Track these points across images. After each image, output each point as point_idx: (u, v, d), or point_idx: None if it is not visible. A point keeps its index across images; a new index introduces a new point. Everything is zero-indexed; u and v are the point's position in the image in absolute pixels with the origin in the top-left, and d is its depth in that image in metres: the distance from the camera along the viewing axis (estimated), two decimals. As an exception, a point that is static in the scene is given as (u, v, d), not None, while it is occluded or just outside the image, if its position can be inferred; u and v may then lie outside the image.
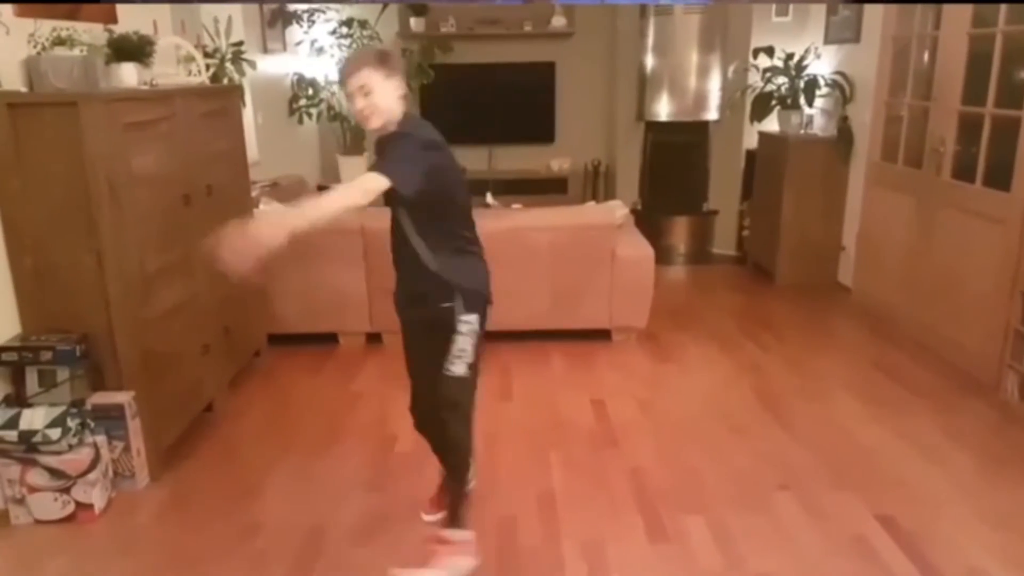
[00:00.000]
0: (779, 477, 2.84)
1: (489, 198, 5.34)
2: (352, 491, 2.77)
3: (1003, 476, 2.84)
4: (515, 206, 4.75)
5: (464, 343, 2.24)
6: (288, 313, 4.07)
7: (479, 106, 6.69)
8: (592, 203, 5.45)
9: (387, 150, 2.15)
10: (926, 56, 4.25)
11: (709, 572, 2.33)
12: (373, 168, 2.05)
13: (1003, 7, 3.49)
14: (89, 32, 3.03)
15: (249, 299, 3.75)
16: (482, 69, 6.62)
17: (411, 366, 2.45)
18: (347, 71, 2.13)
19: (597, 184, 6.86)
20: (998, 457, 2.98)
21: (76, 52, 2.80)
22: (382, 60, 2.12)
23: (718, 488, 2.77)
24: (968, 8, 3.74)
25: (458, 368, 2.23)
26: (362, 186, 1.99)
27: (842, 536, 2.48)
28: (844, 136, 5.00)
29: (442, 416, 2.30)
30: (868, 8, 4.78)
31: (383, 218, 4.19)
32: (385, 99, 2.12)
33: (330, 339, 4.19)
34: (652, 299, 4.14)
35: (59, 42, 2.77)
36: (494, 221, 4.00)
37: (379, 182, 1.99)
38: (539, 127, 6.86)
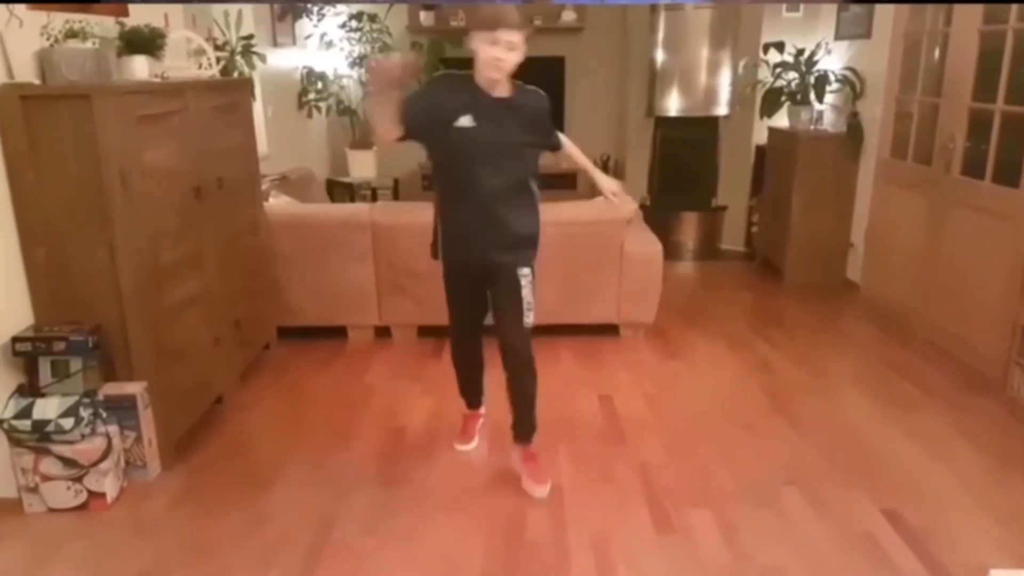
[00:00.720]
0: (786, 473, 2.84)
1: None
2: (361, 482, 2.79)
3: (1011, 473, 2.84)
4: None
5: (531, 295, 2.55)
6: (298, 306, 4.09)
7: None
8: (601, 198, 5.45)
9: (546, 115, 2.53)
10: (937, 52, 4.23)
11: (715, 566, 2.34)
12: (551, 138, 2.60)
13: (1014, 4, 3.47)
14: (101, 25, 3.04)
15: (260, 292, 3.77)
16: (491, 63, 6.61)
17: (474, 312, 2.72)
18: (505, 21, 2.25)
19: (606, 179, 6.84)
20: (1006, 454, 2.98)
21: (88, 45, 2.82)
22: (527, 21, 2.33)
23: (725, 483, 2.78)
24: (979, 5, 3.72)
25: (530, 319, 2.59)
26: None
27: (849, 532, 2.48)
28: (854, 132, 4.98)
29: (524, 364, 2.66)
30: (879, 4, 4.76)
31: (391, 212, 4.22)
32: (517, 61, 2.33)
33: (339, 332, 4.20)
34: (660, 295, 4.14)
35: (72, 35, 2.79)
36: (503, 216, 4.01)
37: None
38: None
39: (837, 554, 2.38)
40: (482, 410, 3.07)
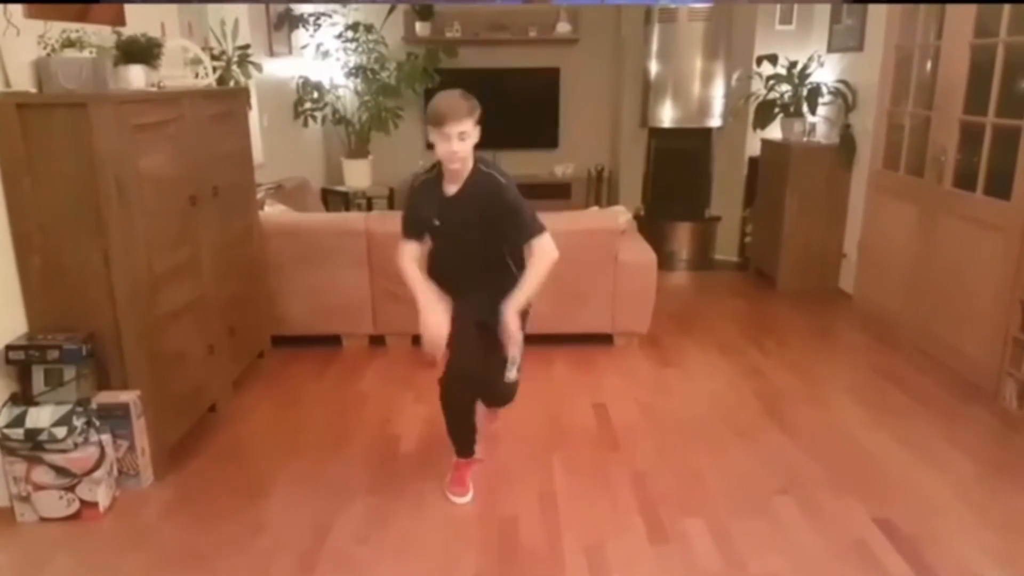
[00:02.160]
0: (780, 481, 2.85)
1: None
2: (356, 490, 2.79)
3: (1003, 482, 2.86)
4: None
5: (517, 353, 2.58)
6: (292, 315, 4.09)
7: (484, 111, 6.69)
8: (595, 208, 5.47)
9: (500, 199, 2.51)
10: (928, 65, 4.27)
11: (709, 574, 2.34)
12: (530, 231, 2.53)
13: (1005, 17, 3.51)
14: (98, 34, 3.05)
15: (254, 300, 3.77)
16: (487, 74, 6.64)
17: (473, 354, 2.66)
18: (450, 116, 2.38)
19: (600, 189, 6.88)
20: (998, 463, 3.00)
21: (85, 54, 2.82)
22: (475, 108, 2.45)
23: (719, 491, 2.79)
24: (970, 18, 3.76)
25: (513, 374, 2.63)
26: (551, 250, 2.55)
27: (842, 540, 2.49)
28: (846, 144, 5.02)
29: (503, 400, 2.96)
30: (871, 17, 4.81)
31: (386, 221, 4.23)
32: (473, 144, 2.47)
33: (334, 341, 4.20)
34: (654, 304, 4.15)
35: (68, 44, 2.80)
36: (497, 225, 4.02)
37: (549, 239, 2.55)
38: (543, 132, 6.89)
39: (830, 562, 2.39)
40: (478, 455, 2.85)
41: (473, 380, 2.68)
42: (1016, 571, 2.34)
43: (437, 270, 2.69)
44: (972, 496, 2.75)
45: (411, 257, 2.63)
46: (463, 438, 2.79)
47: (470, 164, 2.53)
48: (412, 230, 2.65)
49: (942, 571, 2.34)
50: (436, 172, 2.59)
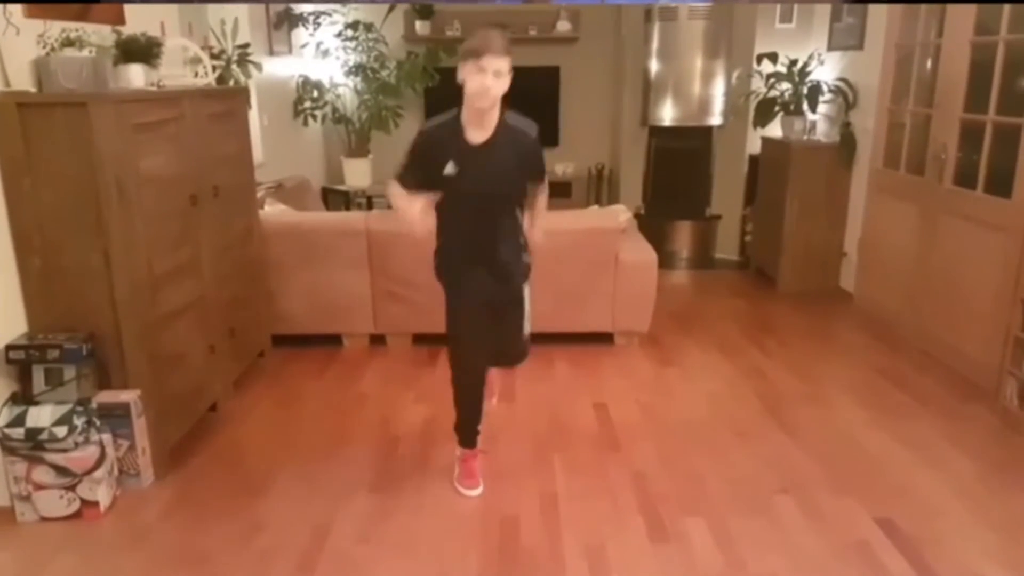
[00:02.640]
0: (781, 481, 2.85)
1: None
2: (356, 490, 2.79)
3: (1004, 482, 2.85)
4: (519, 209, 4.76)
5: (528, 307, 2.70)
6: (292, 314, 4.09)
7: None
8: (596, 207, 5.48)
9: (535, 155, 2.57)
10: (929, 64, 4.27)
11: (709, 574, 2.34)
12: (541, 176, 2.62)
13: (1005, 16, 3.51)
14: (98, 33, 3.05)
15: (254, 300, 3.77)
16: (487, 73, 6.64)
17: (482, 332, 2.66)
18: (490, 48, 2.27)
19: (601, 188, 6.88)
20: (999, 463, 3.00)
21: (85, 53, 2.82)
22: (510, 49, 2.34)
23: (719, 491, 2.78)
24: (971, 16, 3.76)
25: (527, 327, 2.74)
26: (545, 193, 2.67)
27: (843, 540, 2.49)
28: (847, 142, 5.02)
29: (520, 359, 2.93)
30: (872, 15, 4.80)
31: (387, 221, 4.22)
32: (504, 88, 2.36)
33: (334, 340, 4.20)
34: (655, 303, 4.15)
35: (68, 43, 2.80)
36: (498, 224, 4.01)
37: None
38: (543, 131, 6.70)
39: (831, 562, 2.39)
40: (479, 446, 2.85)
41: (483, 362, 2.71)
42: (1017, 571, 2.34)
43: (450, 232, 2.57)
44: (973, 496, 2.75)
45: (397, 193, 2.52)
46: (471, 424, 2.77)
47: (497, 111, 2.41)
48: (412, 177, 2.49)
49: (943, 571, 2.34)
50: (453, 117, 2.43)
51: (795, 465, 2.97)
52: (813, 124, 5.35)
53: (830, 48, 5.37)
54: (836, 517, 2.62)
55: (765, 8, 5.82)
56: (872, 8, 4.78)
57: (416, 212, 2.44)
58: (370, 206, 6.24)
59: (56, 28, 2.83)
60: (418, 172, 2.49)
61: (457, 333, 2.67)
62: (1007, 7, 3.49)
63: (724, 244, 6.24)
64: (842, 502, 2.70)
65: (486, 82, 2.29)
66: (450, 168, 2.42)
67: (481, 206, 2.52)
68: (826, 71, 5.33)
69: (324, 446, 3.13)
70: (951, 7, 3.93)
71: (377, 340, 4.22)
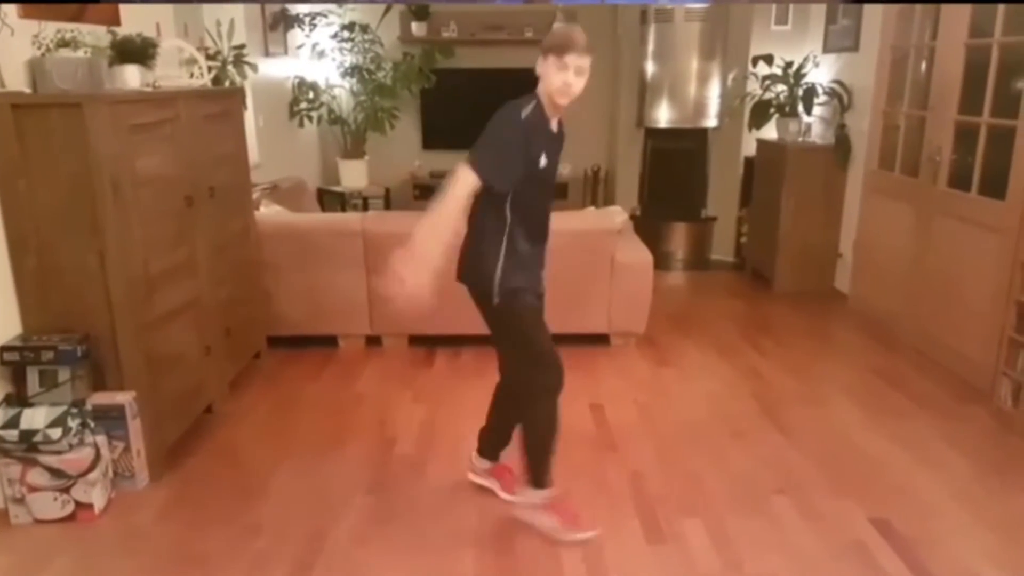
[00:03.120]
0: (777, 481, 2.85)
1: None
2: (353, 492, 2.78)
3: (999, 482, 2.86)
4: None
5: None
6: (288, 315, 4.08)
7: (480, 111, 6.57)
8: (592, 208, 5.48)
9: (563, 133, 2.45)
10: (924, 66, 4.28)
11: (706, 574, 2.34)
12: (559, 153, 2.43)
13: (999, 18, 3.52)
14: (93, 34, 3.04)
15: (250, 301, 3.76)
16: (483, 74, 6.64)
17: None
18: (577, 45, 2.23)
19: (597, 190, 6.88)
20: (994, 463, 3.00)
21: (80, 54, 2.82)
22: (592, 47, 2.28)
23: (716, 492, 2.79)
24: (965, 18, 3.77)
25: None
26: None
27: (839, 541, 2.49)
28: (842, 144, 5.03)
29: None
30: (867, 17, 4.82)
31: (383, 222, 4.21)
32: (584, 83, 2.29)
33: (330, 342, 4.20)
34: (651, 304, 4.16)
35: (63, 44, 2.79)
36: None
37: None
38: None
39: (828, 562, 2.39)
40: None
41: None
42: (1014, 572, 2.35)
43: (529, 224, 2.37)
44: (969, 497, 2.76)
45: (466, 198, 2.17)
46: (550, 456, 2.50)
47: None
48: (512, 173, 2.22)
49: (939, 572, 2.34)
50: (537, 104, 2.31)
51: (792, 466, 2.97)
52: (808, 126, 5.37)
53: (825, 50, 5.38)
54: (833, 518, 2.62)
55: (761, 10, 5.83)
56: (867, 10, 4.79)
57: (427, 281, 2.09)
58: (366, 207, 6.24)
59: (51, 29, 2.82)
60: (519, 167, 2.24)
61: (544, 346, 2.43)
62: (1001, 9, 3.51)
63: (720, 245, 6.25)
64: (839, 503, 2.71)
65: (568, 79, 2.24)
66: (543, 160, 2.31)
67: (550, 195, 2.48)
68: (821, 73, 5.34)
69: (321, 447, 3.12)
70: (945, 9, 3.95)
71: (373, 341, 4.21)
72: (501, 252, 2.35)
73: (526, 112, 2.28)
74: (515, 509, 2.61)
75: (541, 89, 2.32)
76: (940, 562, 2.38)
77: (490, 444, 2.74)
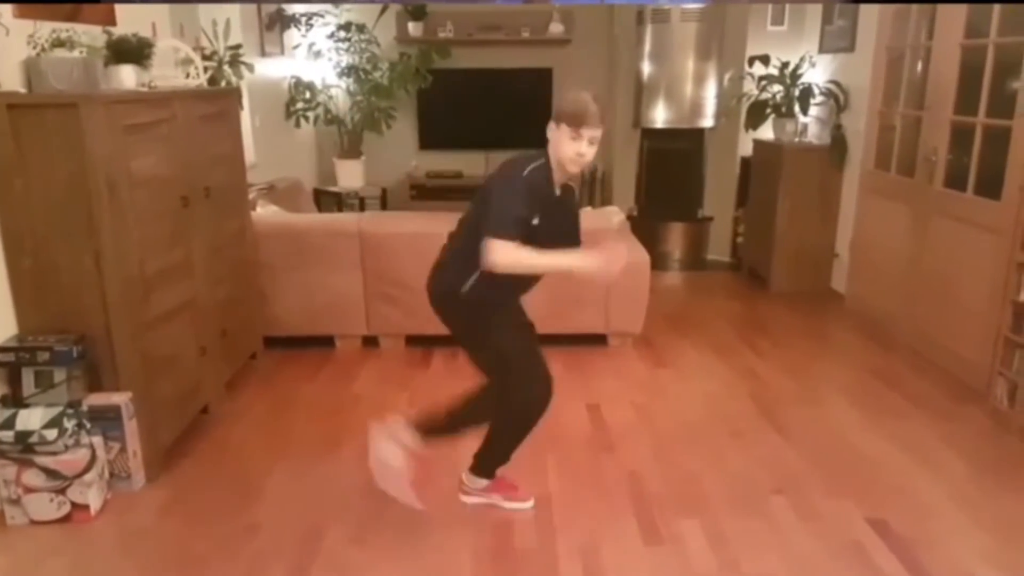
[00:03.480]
0: (774, 481, 2.85)
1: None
2: (350, 493, 2.78)
3: (996, 482, 2.87)
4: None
5: None
6: (285, 316, 4.07)
7: (477, 111, 6.71)
8: (589, 209, 5.47)
9: (575, 202, 2.53)
10: (919, 66, 4.29)
11: (703, 575, 2.34)
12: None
13: (995, 18, 3.53)
14: (88, 34, 3.03)
15: (246, 301, 3.75)
16: (480, 74, 6.64)
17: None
18: (592, 119, 2.22)
19: (594, 190, 6.88)
20: (991, 463, 3.01)
21: (76, 54, 2.80)
22: (605, 117, 2.29)
23: (713, 492, 2.79)
24: (961, 19, 3.78)
25: None
26: None
27: (837, 541, 2.50)
28: (838, 144, 5.04)
29: None
30: (863, 18, 4.82)
31: (379, 222, 4.21)
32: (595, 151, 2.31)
33: (326, 342, 4.19)
34: (648, 305, 4.16)
35: (59, 43, 2.78)
36: (491, 226, 4.01)
37: None
38: (536, 133, 6.74)
39: (825, 563, 2.39)
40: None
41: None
42: (1010, 572, 2.35)
43: (510, 277, 2.37)
44: (966, 497, 2.76)
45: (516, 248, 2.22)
46: (512, 451, 2.63)
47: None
48: (525, 223, 2.26)
49: (936, 572, 2.34)
50: (543, 164, 2.33)
51: (789, 466, 2.98)
52: (805, 126, 5.38)
53: (821, 50, 5.39)
54: (830, 518, 2.62)
55: (756, 10, 5.84)
56: (863, 10, 4.80)
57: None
58: (362, 207, 6.23)
59: (46, 29, 2.81)
60: (526, 221, 2.27)
61: (524, 350, 2.50)
62: (996, 9, 3.51)
63: (716, 245, 6.26)
64: (836, 503, 2.71)
65: (582, 149, 2.26)
66: (537, 219, 2.31)
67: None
68: (817, 73, 5.35)
69: (317, 448, 3.11)
70: (941, 10, 3.96)
71: (370, 342, 4.21)
72: (474, 276, 2.36)
73: (529, 170, 2.31)
74: (462, 497, 2.72)
75: (551, 151, 2.34)
76: (937, 562, 2.39)
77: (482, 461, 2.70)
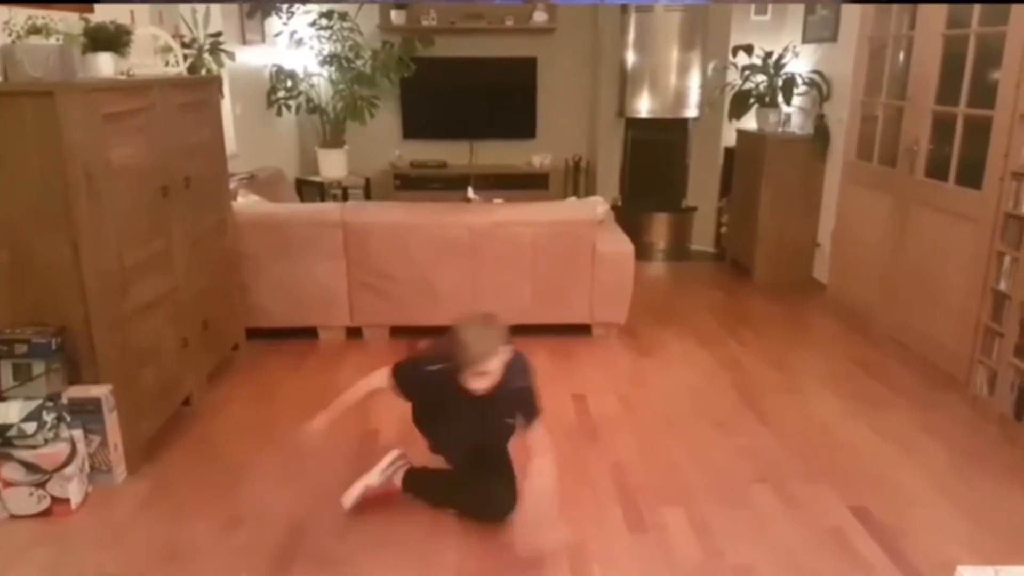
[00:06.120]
0: (757, 470, 2.87)
1: (470, 192, 5.34)
2: (334, 485, 2.75)
3: (976, 470, 2.90)
4: (496, 201, 4.76)
5: None
6: (267, 307, 4.04)
7: (460, 100, 6.68)
8: (573, 199, 5.46)
9: (528, 406, 2.47)
10: (901, 56, 4.31)
11: (688, 563, 2.35)
12: (532, 414, 2.47)
13: (976, 9, 3.55)
14: (65, 21, 2.98)
15: (227, 292, 3.72)
16: (463, 63, 6.61)
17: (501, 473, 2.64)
18: (483, 359, 2.31)
19: (578, 180, 6.88)
20: (970, 451, 3.05)
21: (52, 41, 2.76)
22: (503, 333, 2.38)
23: (697, 481, 2.80)
24: (943, 9, 3.80)
25: None
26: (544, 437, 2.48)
27: (818, 528, 2.52)
28: (821, 134, 5.06)
29: None
30: (845, 8, 4.84)
31: (363, 212, 4.20)
32: (499, 367, 2.36)
33: (310, 333, 4.16)
34: (632, 295, 4.16)
35: (34, 30, 2.73)
36: (475, 216, 4.00)
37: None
38: (520, 122, 6.86)
39: (807, 551, 2.41)
40: None
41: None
42: (990, 558, 2.38)
43: (451, 448, 2.67)
44: (946, 484, 2.80)
45: (374, 388, 2.57)
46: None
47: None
48: (409, 392, 2.59)
49: (918, 559, 2.37)
50: (447, 371, 2.39)
51: (772, 455, 3.00)
52: (788, 116, 5.40)
53: (804, 40, 5.40)
54: (812, 506, 2.65)
55: None
56: None
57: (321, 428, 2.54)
58: (345, 197, 6.19)
59: (22, 15, 2.76)
60: (415, 393, 2.59)
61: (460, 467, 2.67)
62: None
63: (700, 236, 6.28)
64: (818, 491, 2.73)
65: (483, 384, 2.36)
66: (444, 405, 2.51)
67: (473, 444, 2.60)
68: (801, 63, 5.36)
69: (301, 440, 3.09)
70: None
71: (354, 333, 4.19)
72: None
73: (429, 370, 2.48)
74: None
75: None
76: (918, 548, 2.41)
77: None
